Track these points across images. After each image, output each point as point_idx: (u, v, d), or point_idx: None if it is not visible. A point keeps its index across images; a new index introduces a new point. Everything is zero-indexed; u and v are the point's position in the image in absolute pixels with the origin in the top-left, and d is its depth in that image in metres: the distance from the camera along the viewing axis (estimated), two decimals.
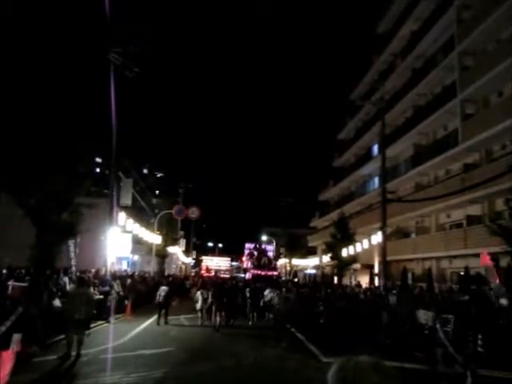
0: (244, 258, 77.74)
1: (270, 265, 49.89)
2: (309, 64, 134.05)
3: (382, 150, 23.99)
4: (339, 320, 15.17)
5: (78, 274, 15.17)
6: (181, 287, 28.64)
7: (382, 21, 34.94)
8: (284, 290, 16.34)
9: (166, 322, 15.94)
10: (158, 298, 16.12)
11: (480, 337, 8.20)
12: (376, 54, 36.02)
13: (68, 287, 13.85)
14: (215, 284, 18.90)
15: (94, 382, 7.92)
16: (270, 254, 61.45)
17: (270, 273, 39.76)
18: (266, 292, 16.93)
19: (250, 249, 70.80)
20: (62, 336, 10.28)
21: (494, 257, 15.34)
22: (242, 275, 54.37)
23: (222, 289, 16.68)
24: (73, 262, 14.84)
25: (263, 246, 61.60)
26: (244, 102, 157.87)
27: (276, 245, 60.26)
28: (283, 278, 42.58)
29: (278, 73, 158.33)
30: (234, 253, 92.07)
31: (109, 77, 17.07)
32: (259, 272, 40.47)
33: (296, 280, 42.18)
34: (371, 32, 37.15)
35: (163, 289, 16.33)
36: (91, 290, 14.93)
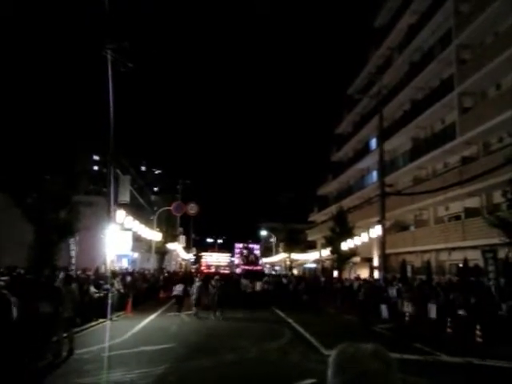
0: (236, 256, 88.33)
1: (257, 261, 62.00)
2: (306, 59, 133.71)
3: (380, 143, 24.03)
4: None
5: (77, 272, 15.16)
6: (191, 283, 29.38)
7: (380, 14, 34.78)
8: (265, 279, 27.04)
9: (180, 312, 18.06)
10: (178, 292, 18.74)
11: None
12: (373, 48, 35.90)
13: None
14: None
15: (97, 379, 7.96)
16: (257, 252, 74.67)
17: (256, 268, 49.88)
18: (242, 280, 24.14)
19: (240, 248, 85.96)
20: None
21: (493, 248, 15.41)
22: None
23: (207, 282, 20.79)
24: (72, 261, 14.83)
25: (251, 246, 77.50)
26: (243, 97, 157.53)
27: (276, 239, 61.41)
28: (283, 272, 47.20)
29: (277, 67, 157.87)
30: (234, 248, 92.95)
31: (106, 74, 16.96)
32: (248, 267, 50.15)
33: (294, 273, 45.38)
34: (368, 26, 37.02)
35: (179, 285, 18.96)
36: (92, 288, 14.99)
